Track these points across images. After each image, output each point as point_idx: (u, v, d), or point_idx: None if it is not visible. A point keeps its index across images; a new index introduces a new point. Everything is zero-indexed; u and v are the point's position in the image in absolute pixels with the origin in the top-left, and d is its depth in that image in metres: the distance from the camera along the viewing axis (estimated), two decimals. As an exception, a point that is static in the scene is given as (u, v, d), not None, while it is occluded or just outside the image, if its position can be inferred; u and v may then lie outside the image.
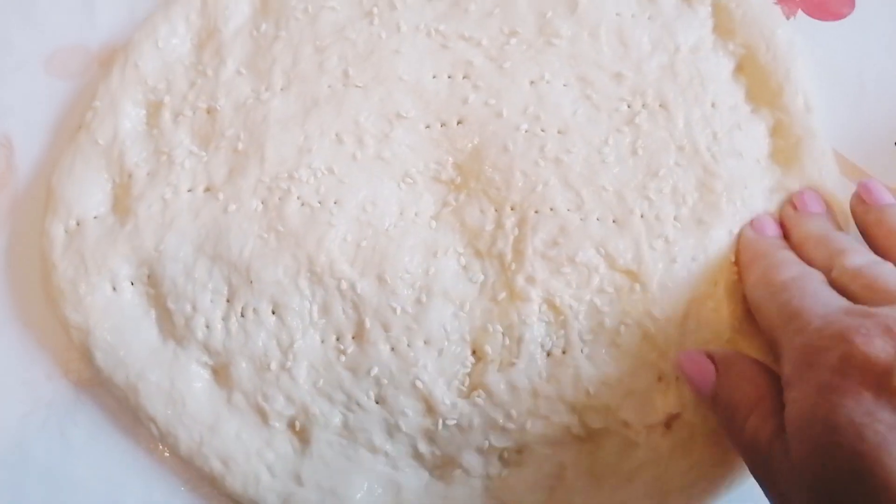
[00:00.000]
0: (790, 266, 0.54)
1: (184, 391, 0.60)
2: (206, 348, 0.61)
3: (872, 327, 0.44)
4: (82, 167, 0.65)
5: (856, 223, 0.58)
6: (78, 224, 0.64)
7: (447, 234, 0.61)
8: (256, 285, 0.60)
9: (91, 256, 0.63)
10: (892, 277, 0.50)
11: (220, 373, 0.61)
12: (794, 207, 0.59)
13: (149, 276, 0.62)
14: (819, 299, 0.49)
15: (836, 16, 0.68)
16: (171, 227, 0.62)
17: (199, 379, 0.61)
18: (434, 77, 0.65)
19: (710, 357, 0.53)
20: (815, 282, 0.52)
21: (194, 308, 0.61)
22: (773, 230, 0.59)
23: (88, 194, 0.65)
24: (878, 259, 0.53)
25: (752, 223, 0.59)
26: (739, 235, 0.59)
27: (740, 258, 0.58)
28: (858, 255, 0.53)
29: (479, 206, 0.61)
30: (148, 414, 0.60)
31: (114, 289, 0.63)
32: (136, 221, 0.63)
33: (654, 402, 0.57)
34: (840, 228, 0.59)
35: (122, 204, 0.64)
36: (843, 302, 0.49)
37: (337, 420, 0.59)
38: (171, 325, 0.62)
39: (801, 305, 0.49)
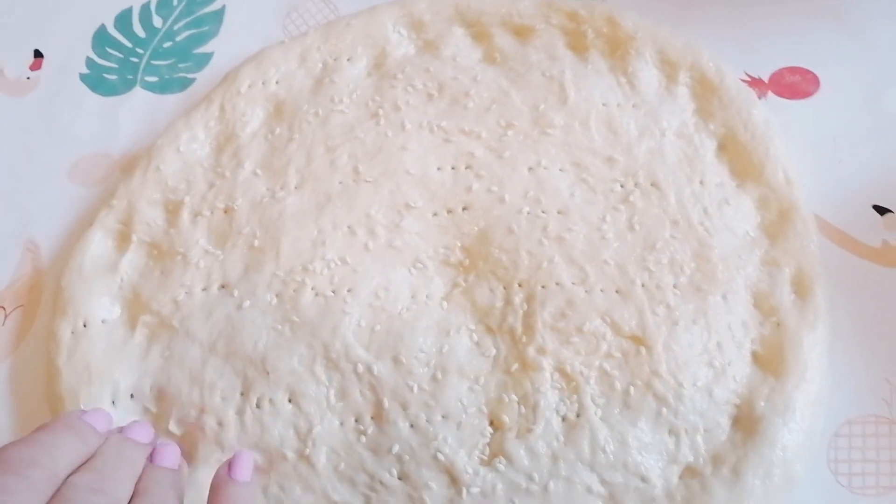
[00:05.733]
0: None
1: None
2: (220, 444, 0.61)
3: None
4: (92, 266, 0.68)
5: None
6: (85, 326, 0.66)
7: (459, 314, 0.64)
8: (273, 376, 0.62)
9: (96, 365, 0.64)
10: None
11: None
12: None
13: (151, 389, 0.63)
14: None
15: (804, 94, 0.73)
16: (180, 332, 0.64)
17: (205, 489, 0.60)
18: (439, 169, 0.69)
19: None
20: None
21: (202, 411, 0.62)
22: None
23: (97, 295, 0.67)
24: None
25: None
26: None
27: None
28: None
29: (488, 286, 0.64)
30: None
31: (113, 402, 0.63)
32: (146, 327, 0.65)
33: (667, 453, 0.59)
34: None
35: (132, 306, 0.67)
36: None
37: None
38: (175, 439, 0.62)
39: None
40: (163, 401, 0.63)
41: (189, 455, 0.62)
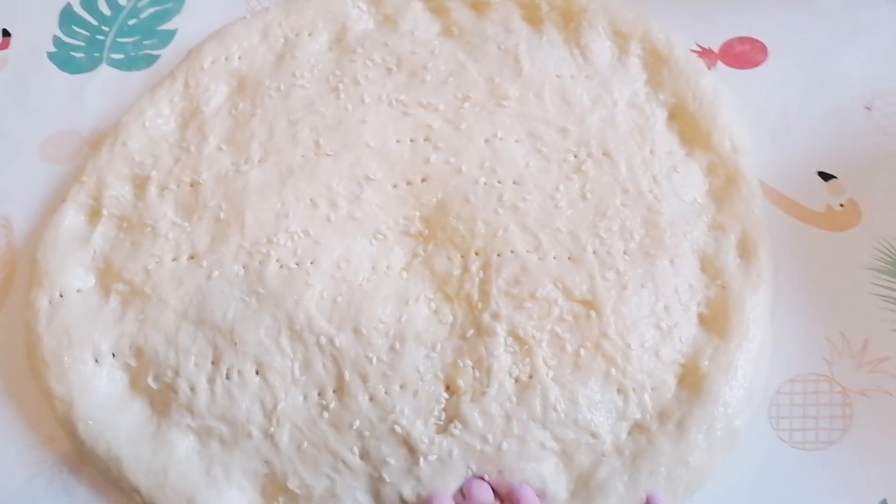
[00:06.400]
0: None
1: (165, 461, 0.63)
2: (190, 410, 0.63)
3: None
4: (65, 240, 0.70)
5: None
6: (61, 295, 0.68)
7: (418, 283, 0.66)
8: (240, 347, 0.64)
9: (75, 329, 0.66)
10: None
11: (203, 439, 0.64)
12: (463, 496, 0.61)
13: (130, 347, 0.66)
14: None
15: (753, 64, 0.75)
16: (153, 298, 0.66)
17: (181, 448, 0.63)
18: (398, 141, 0.71)
19: None
20: None
21: (177, 373, 0.64)
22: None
23: (71, 266, 0.69)
24: None
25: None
26: None
27: None
28: None
29: (446, 254, 0.67)
30: (131, 484, 0.63)
31: (96, 361, 0.66)
32: (119, 294, 0.67)
33: (616, 410, 0.62)
34: None
35: (104, 276, 0.69)
36: None
37: (320, 488, 0.62)
38: (153, 395, 0.65)
39: None
40: (141, 358, 0.65)
41: (162, 413, 0.64)
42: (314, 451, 0.62)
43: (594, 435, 0.61)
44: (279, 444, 0.62)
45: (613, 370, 0.62)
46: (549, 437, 0.61)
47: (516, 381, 0.62)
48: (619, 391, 0.62)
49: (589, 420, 0.61)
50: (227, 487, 0.62)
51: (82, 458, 0.66)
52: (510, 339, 0.63)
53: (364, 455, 0.61)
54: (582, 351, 0.63)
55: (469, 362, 0.63)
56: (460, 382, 0.62)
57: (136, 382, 0.66)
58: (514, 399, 0.62)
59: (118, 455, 0.63)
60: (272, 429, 0.62)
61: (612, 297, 0.64)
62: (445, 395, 0.63)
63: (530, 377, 0.62)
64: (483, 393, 0.62)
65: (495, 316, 0.64)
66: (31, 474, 0.66)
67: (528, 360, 0.63)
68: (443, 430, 0.62)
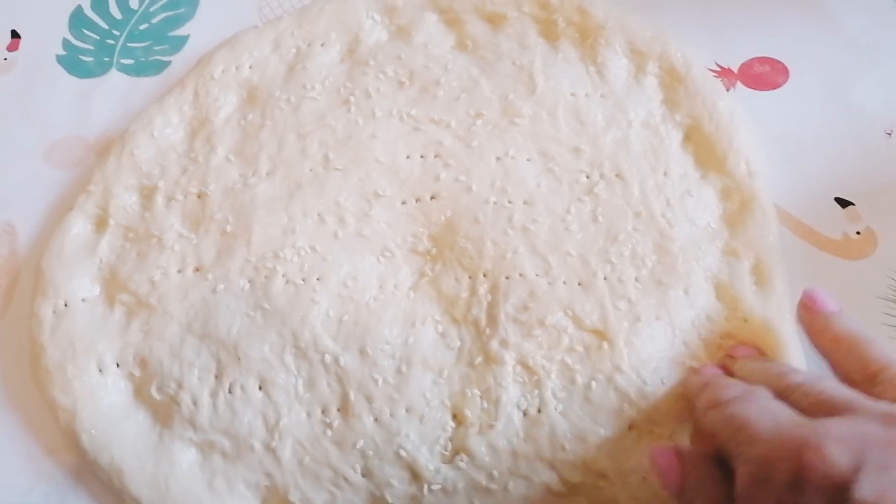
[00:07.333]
0: (735, 386, 0.55)
1: (167, 474, 0.62)
2: (192, 424, 0.63)
3: (824, 438, 0.44)
4: (71, 249, 0.69)
5: (804, 330, 0.60)
6: (66, 305, 0.67)
7: (425, 304, 0.65)
8: (244, 362, 0.63)
9: (79, 339, 0.66)
10: (836, 391, 0.50)
11: (205, 452, 0.63)
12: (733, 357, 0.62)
13: (134, 358, 0.65)
14: (766, 411, 0.49)
15: (773, 85, 0.74)
16: (158, 310, 0.66)
17: (183, 461, 0.63)
18: (408, 157, 0.70)
19: (679, 455, 0.53)
20: (761, 396, 0.52)
21: (180, 386, 0.64)
22: (715, 370, 0.61)
23: (77, 276, 0.68)
24: (820, 375, 0.53)
25: (695, 371, 0.61)
26: (686, 382, 0.61)
27: (690, 396, 0.59)
28: (800, 374, 0.54)
29: (454, 275, 0.66)
30: (133, 496, 0.62)
31: (100, 371, 0.65)
32: (124, 305, 0.67)
33: (628, 450, 0.60)
34: None
35: (110, 286, 0.68)
36: (791, 413, 0.49)
37: (321, 502, 0.61)
38: (156, 406, 0.64)
39: (749, 416, 0.49)
40: (145, 369, 0.65)
41: (165, 424, 0.64)
42: (316, 467, 0.61)
43: (603, 476, 0.60)
44: (281, 458, 0.62)
45: (626, 405, 0.61)
46: (555, 478, 0.60)
47: (524, 414, 0.61)
48: (630, 427, 0.61)
49: (595, 459, 0.60)
50: (229, 499, 0.62)
51: (82, 470, 0.65)
52: (519, 369, 0.62)
53: (367, 473, 0.61)
54: (593, 384, 0.61)
55: (477, 392, 0.62)
56: (467, 413, 0.61)
57: (139, 392, 0.65)
58: (522, 435, 0.60)
59: (120, 467, 0.63)
60: (274, 443, 0.62)
61: (624, 329, 0.62)
62: (452, 424, 0.62)
63: (539, 411, 0.61)
64: (490, 426, 0.61)
65: (504, 343, 0.62)
66: (29, 487, 0.65)
67: (536, 392, 0.61)
68: (448, 460, 0.61)
